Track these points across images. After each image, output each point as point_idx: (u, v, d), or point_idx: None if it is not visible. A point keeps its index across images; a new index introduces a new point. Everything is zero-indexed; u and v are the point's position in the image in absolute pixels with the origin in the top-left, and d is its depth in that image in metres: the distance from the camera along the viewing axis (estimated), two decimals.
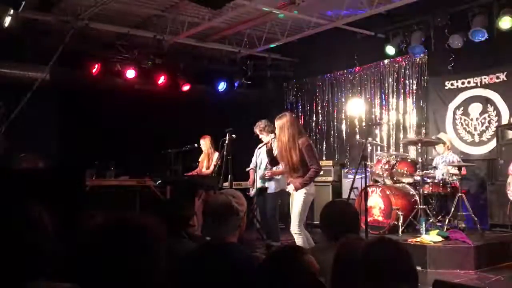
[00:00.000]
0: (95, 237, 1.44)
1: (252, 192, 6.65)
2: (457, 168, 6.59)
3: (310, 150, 5.10)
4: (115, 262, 1.37)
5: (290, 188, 5.22)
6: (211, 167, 7.69)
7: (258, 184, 6.52)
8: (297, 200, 5.08)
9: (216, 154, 7.67)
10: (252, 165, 6.73)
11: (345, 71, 9.72)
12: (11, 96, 7.06)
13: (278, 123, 5.25)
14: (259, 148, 6.48)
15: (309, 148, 5.12)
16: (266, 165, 6.33)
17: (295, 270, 1.77)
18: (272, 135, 6.28)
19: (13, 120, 6.62)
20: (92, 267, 1.39)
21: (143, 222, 1.46)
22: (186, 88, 9.18)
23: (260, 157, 6.58)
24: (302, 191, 5.04)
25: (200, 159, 8.03)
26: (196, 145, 7.93)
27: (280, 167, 5.95)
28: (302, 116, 10.60)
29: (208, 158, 7.89)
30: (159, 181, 7.77)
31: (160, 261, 1.45)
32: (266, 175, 6.34)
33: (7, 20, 4.77)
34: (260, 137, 6.44)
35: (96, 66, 8.20)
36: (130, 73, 8.52)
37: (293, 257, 1.83)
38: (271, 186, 6.36)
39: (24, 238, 1.96)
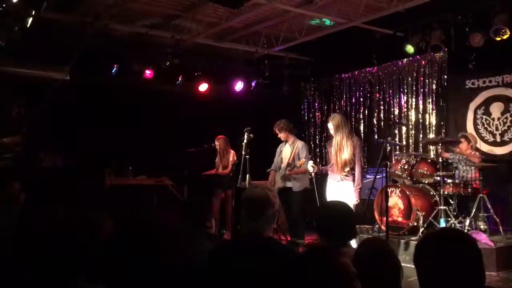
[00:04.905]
0: (120, 235, 1.44)
1: None
2: (478, 168, 6.48)
3: (361, 151, 5.77)
4: (141, 261, 1.37)
5: (341, 187, 5.68)
6: (229, 167, 7.69)
7: (280, 184, 6.53)
8: (351, 195, 5.59)
9: (232, 153, 7.68)
10: (273, 166, 6.75)
11: (363, 70, 9.64)
12: (32, 96, 7.16)
13: (333, 122, 5.70)
14: (281, 147, 6.60)
15: (361, 148, 5.83)
16: (288, 163, 6.39)
17: (331, 271, 1.70)
18: (293, 137, 6.43)
19: (33, 120, 6.72)
20: (118, 266, 1.38)
21: (169, 220, 1.45)
22: (203, 88, 9.20)
23: (280, 156, 6.61)
24: (353, 186, 5.64)
25: (216, 160, 8.04)
26: (213, 144, 7.94)
27: (301, 166, 6.23)
28: (319, 116, 10.56)
29: (223, 158, 7.89)
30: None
31: (184, 260, 1.44)
32: (288, 174, 6.36)
33: (29, 21, 4.83)
34: (279, 136, 6.51)
35: (115, 66, 8.26)
36: (148, 73, 8.57)
37: (330, 257, 1.76)
38: (295, 185, 6.42)
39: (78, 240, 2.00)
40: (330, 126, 5.75)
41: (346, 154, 5.56)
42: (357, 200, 5.65)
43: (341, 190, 5.65)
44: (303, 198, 6.48)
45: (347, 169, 5.61)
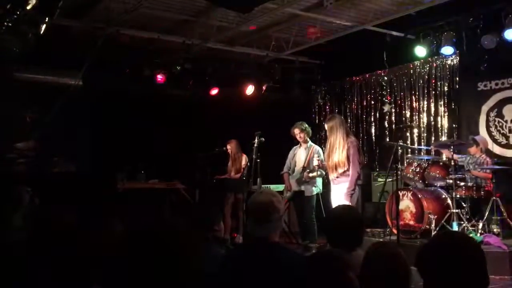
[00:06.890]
0: (131, 239, 1.46)
1: (288, 195, 6.66)
2: (490, 171, 6.42)
3: (356, 152, 5.45)
4: (151, 265, 1.38)
5: (336, 189, 5.52)
6: (242, 170, 7.72)
7: (294, 187, 6.54)
8: (344, 200, 5.34)
9: (244, 157, 7.70)
10: (285, 169, 6.73)
11: (374, 73, 9.61)
12: (45, 101, 7.26)
13: (329, 124, 5.57)
14: (294, 150, 6.58)
15: (356, 150, 5.48)
16: (303, 167, 6.38)
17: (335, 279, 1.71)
18: (309, 141, 6.42)
19: (46, 125, 6.81)
20: (128, 270, 1.40)
21: (179, 223, 1.47)
22: (214, 92, 9.25)
23: (294, 159, 6.59)
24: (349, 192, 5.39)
25: (228, 164, 8.06)
26: (224, 148, 7.97)
27: (318, 171, 6.24)
28: None
29: (235, 162, 7.92)
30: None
31: (194, 265, 1.46)
32: (304, 178, 6.35)
33: (43, 28, 4.91)
34: (299, 136, 6.50)
35: (127, 71, 8.34)
36: (160, 78, 8.64)
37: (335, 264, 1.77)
38: (308, 189, 6.41)
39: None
40: (326, 127, 5.73)
41: (337, 156, 5.44)
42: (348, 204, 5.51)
43: (335, 192, 5.58)
44: (315, 202, 6.48)
45: (341, 171, 5.45)
